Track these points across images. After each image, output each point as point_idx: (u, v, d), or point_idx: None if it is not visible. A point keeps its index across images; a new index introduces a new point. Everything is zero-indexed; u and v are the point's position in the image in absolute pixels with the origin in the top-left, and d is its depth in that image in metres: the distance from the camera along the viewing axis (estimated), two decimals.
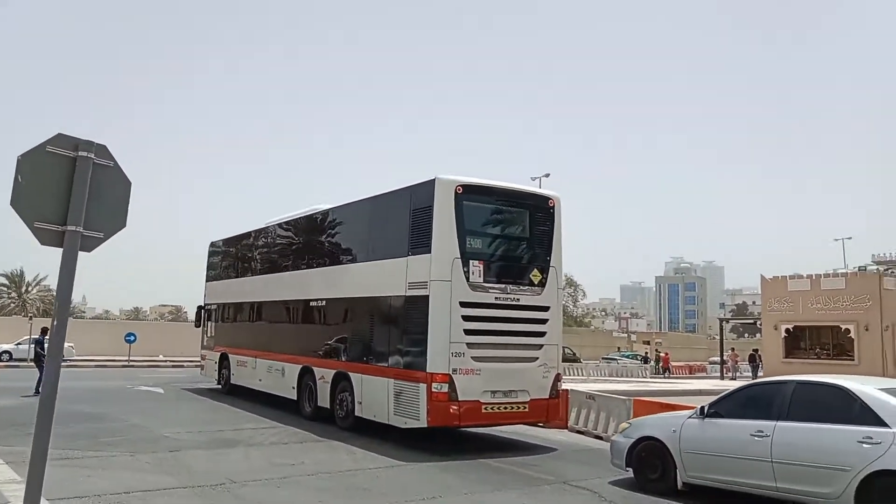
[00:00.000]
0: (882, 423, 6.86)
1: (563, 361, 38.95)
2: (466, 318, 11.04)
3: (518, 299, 11.60)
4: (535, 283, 11.85)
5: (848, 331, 35.29)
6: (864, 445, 6.82)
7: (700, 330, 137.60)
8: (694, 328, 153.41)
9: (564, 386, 17.02)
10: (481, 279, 11.26)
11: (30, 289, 65.53)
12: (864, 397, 7.18)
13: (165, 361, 35.26)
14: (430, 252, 11.19)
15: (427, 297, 11.05)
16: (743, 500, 8.04)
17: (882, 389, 7.33)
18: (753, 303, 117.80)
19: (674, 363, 47.93)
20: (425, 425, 10.89)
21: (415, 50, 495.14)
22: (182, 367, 31.91)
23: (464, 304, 11.06)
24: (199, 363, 22.61)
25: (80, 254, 4.44)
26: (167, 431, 12.21)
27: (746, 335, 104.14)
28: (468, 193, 11.45)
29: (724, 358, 40.76)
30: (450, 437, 12.68)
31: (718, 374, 40.76)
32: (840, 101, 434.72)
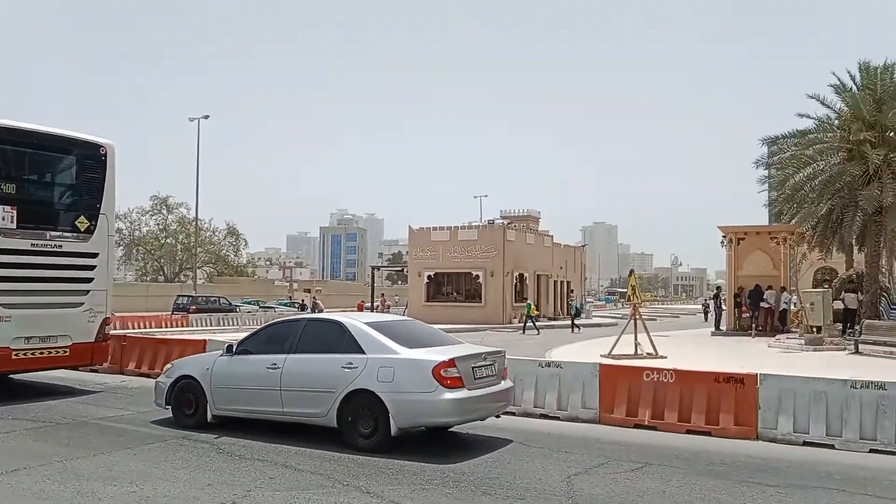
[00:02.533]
0: (361, 351, 8.02)
1: (217, 312, 36.94)
2: None
3: (61, 246, 11.55)
4: (82, 230, 11.83)
5: (478, 277, 39.91)
6: (346, 370, 7.94)
7: (360, 278, 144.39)
8: (354, 276, 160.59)
9: (215, 337, 16.45)
10: (14, 225, 10.94)
11: None
12: (352, 329, 8.31)
13: None
14: None
15: None
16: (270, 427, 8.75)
17: (367, 323, 8.51)
18: (407, 252, 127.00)
19: (332, 310, 49.53)
20: None
21: None
22: None
23: None
24: None
25: None
26: None
27: (400, 282, 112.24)
28: (3, 136, 11.05)
29: (376, 303, 43.21)
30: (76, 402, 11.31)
31: None
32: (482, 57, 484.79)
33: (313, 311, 45.86)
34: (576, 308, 35.97)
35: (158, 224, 74.41)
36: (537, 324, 33.03)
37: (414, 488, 6.44)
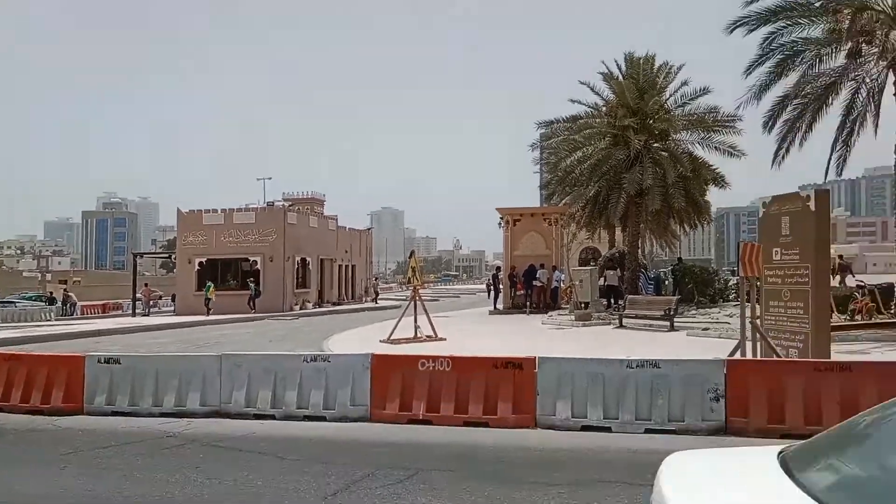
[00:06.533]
0: None
1: None
2: None
3: None
4: None
5: (255, 262, 37.41)
6: None
7: (129, 267, 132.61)
8: (123, 265, 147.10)
9: None
10: None
11: None
12: None
13: None
14: None
15: None
16: None
17: None
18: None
19: (92, 302, 44.29)
20: None
21: None
22: None
23: None
24: None
25: None
26: None
27: (176, 270, 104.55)
28: None
29: (139, 294, 39.03)
30: None
31: (131, 312, 38.92)
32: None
33: (65, 304, 40.60)
34: (255, 289, 35.77)
35: None
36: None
37: None
